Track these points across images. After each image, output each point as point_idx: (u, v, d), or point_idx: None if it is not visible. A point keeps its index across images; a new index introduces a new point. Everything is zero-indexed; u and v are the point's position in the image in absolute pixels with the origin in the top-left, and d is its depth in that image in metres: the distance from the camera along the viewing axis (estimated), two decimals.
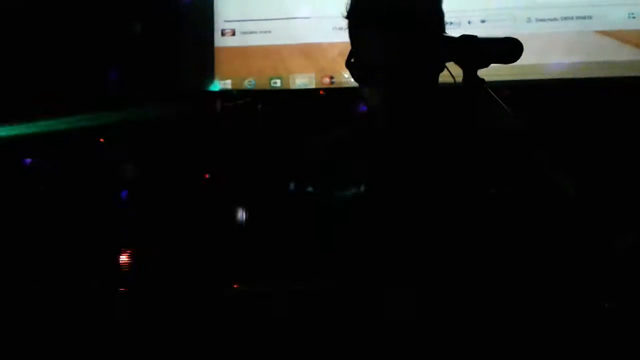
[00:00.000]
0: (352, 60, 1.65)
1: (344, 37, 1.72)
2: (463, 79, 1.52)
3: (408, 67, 1.58)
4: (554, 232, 1.52)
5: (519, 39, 1.50)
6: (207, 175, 3.19)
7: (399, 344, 1.52)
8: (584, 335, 1.15)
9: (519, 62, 1.53)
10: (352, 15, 1.66)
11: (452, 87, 1.58)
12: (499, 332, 1.44)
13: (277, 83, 3.35)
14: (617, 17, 3.14)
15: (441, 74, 1.67)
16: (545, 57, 3.15)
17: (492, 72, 1.55)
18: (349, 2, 1.66)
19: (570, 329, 1.16)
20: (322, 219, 1.73)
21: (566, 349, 1.15)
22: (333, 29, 3.18)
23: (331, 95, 3.28)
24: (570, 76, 3.16)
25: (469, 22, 3.20)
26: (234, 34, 3.37)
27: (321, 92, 3.30)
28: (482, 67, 1.52)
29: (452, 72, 1.62)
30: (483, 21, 3.21)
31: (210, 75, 3.37)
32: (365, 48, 1.63)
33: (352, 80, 1.68)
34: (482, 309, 1.49)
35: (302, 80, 3.33)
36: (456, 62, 1.53)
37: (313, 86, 3.32)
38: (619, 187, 2.72)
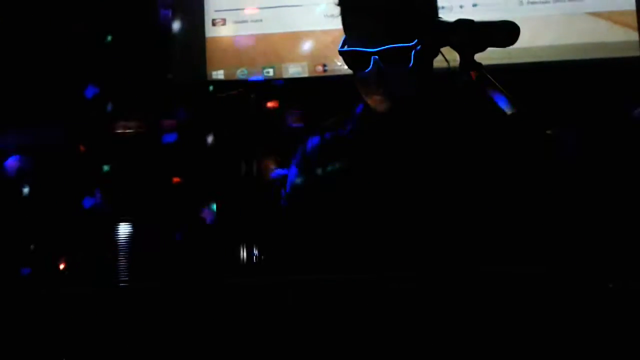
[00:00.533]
0: (345, 47, 1.64)
1: (336, 24, 1.71)
2: (460, 63, 1.52)
3: (401, 54, 1.57)
4: (555, 214, 1.52)
5: None
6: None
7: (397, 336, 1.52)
8: (588, 317, 1.15)
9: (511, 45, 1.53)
10: (344, 2, 1.66)
11: (449, 71, 1.58)
12: (500, 317, 1.44)
13: (270, 72, 3.33)
14: None
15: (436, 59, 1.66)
16: (537, 39, 3.14)
17: (483, 56, 1.55)
18: None
19: (574, 311, 1.16)
20: (316, 209, 1.72)
21: (570, 333, 1.15)
22: (325, 16, 3.16)
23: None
24: (563, 58, 3.15)
25: (461, 7, 3.19)
26: (225, 23, 3.35)
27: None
28: (479, 51, 1.51)
29: (446, 57, 1.61)
30: (475, 5, 3.20)
31: (202, 66, 3.35)
32: (358, 35, 1.62)
33: (345, 67, 1.68)
34: (482, 295, 1.49)
35: (295, 69, 3.31)
36: (452, 47, 1.52)
37: (306, 75, 3.30)
38: (612, 167, 2.72)
